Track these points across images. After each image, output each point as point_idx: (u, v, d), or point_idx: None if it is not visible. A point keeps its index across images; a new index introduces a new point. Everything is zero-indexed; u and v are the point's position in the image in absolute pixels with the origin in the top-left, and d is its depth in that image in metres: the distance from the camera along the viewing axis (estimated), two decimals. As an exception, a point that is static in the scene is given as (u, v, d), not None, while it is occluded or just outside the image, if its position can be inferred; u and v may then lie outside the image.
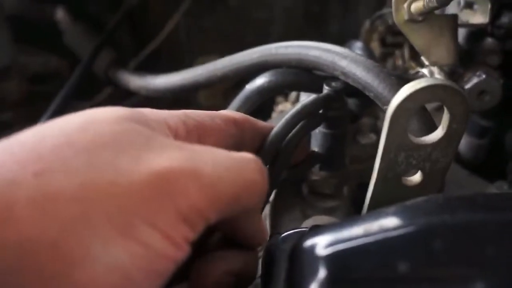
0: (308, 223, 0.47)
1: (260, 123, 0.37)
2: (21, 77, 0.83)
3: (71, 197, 0.22)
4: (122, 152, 0.24)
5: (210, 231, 0.33)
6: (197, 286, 0.30)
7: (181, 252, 0.24)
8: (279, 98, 0.69)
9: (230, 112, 0.34)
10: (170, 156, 0.25)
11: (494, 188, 0.51)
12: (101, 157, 0.23)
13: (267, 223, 0.51)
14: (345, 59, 0.41)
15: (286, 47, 0.46)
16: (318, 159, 0.45)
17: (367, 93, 0.40)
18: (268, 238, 0.33)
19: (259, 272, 0.33)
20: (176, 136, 0.29)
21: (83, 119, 0.25)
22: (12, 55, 0.82)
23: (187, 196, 0.24)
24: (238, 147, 0.32)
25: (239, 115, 0.34)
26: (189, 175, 0.24)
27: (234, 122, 0.33)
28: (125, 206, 0.23)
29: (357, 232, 0.26)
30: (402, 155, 0.32)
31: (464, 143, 0.62)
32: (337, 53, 0.42)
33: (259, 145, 0.37)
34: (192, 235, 0.25)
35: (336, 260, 0.26)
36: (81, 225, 0.22)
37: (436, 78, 0.45)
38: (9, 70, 0.81)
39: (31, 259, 0.21)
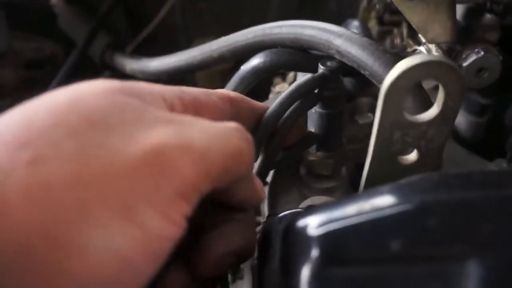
0: (306, 204, 0.47)
1: (256, 103, 0.36)
2: (16, 63, 0.82)
3: (65, 185, 0.21)
4: (113, 130, 0.23)
5: (205, 208, 0.33)
6: (199, 267, 0.30)
7: (179, 229, 0.24)
8: (277, 79, 0.68)
9: (226, 90, 0.34)
10: (162, 132, 0.24)
11: (493, 166, 0.51)
12: (92, 139, 0.23)
13: (265, 205, 0.51)
14: (339, 38, 0.40)
15: (281, 26, 0.46)
16: (315, 139, 0.45)
17: (362, 72, 0.39)
18: (264, 197, 0.33)
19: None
20: (173, 110, 0.28)
21: (69, 96, 0.24)
22: (7, 41, 0.81)
23: (181, 172, 0.24)
24: None
25: (235, 94, 0.34)
26: (182, 149, 0.24)
27: (230, 100, 0.33)
28: (121, 188, 0.22)
29: (350, 211, 0.26)
30: (397, 133, 0.32)
31: (463, 122, 0.61)
32: (331, 32, 0.41)
33: (254, 125, 0.37)
34: (188, 210, 0.24)
35: (328, 240, 0.26)
36: (77, 213, 0.21)
37: (432, 55, 0.45)
38: (4, 56, 0.80)
39: (29, 253, 0.20)
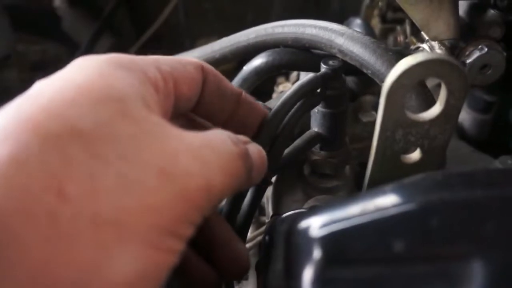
0: (310, 204, 0.47)
1: (228, 84, 0.35)
2: (21, 65, 0.83)
3: (106, 222, 0.22)
4: (137, 162, 0.23)
5: None
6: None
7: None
8: (280, 79, 0.68)
9: (197, 60, 0.34)
10: (186, 169, 0.25)
11: (498, 163, 0.51)
12: (119, 170, 0.23)
13: (269, 205, 0.50)
14: (341, 37, 0.40)
15: (283, 26, 0.45)
16: (318, 138, 0.45)
17: (364, 71, 0.39)
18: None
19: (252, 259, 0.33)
20: (157, 88, 0.28)
21: (58, 118, 0.23)
22: (12, 44, 0.81)
23: (199, 211, 0.25)
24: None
25: (205, 64, 0.34)
26: (203, 190, 0.25)
27: (202, 69, 0.33)
28: (156, 224, 0.23)
29: (352, 211, 0.26)
30: (400, 132, 0.32)
31: (468, 119, 0.61)
32: (333, 31, 0.41)
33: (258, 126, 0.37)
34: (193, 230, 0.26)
35: (331, 241, 0.26)
36: (117, 250, 0.22)
37: (434, 53, 0.44)
38: (9, 59, 0.80)
39: None
